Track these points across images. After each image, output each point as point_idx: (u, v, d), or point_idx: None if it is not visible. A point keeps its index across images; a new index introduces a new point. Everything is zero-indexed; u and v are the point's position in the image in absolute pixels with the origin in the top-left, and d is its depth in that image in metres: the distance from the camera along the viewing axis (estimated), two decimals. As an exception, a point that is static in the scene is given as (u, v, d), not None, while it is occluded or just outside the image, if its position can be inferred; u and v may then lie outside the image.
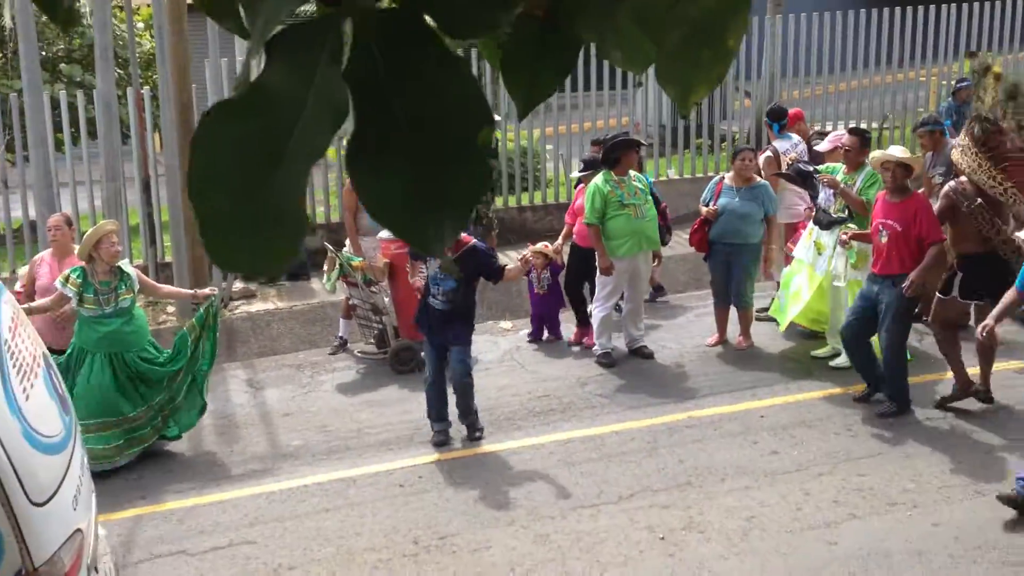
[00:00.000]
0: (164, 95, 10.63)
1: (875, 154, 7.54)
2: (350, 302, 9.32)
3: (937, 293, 7.50)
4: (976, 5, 14.81)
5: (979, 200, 7.30)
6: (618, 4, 1.28)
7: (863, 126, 11.91)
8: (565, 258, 9.46)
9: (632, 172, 8.86)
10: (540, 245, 8.66)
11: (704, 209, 8.93)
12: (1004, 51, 14.97)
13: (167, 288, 8.37)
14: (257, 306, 10.57)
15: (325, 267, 9.31)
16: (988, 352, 7.24)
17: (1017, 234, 7.23)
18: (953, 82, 14.29)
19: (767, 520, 6.03)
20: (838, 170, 8.34)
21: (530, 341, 9.53)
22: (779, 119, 10.11)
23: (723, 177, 9.08)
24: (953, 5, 14.58)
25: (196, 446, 7.63)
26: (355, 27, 0.88)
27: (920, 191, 7.79)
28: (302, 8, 0.96)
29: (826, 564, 5.55)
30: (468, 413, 7.42)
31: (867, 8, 14.55)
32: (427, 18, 0.90)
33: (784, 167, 9.34)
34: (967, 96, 13.93)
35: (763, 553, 5.68)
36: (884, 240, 7.20)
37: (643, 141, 9.31)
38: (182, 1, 10.75)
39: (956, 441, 7.02)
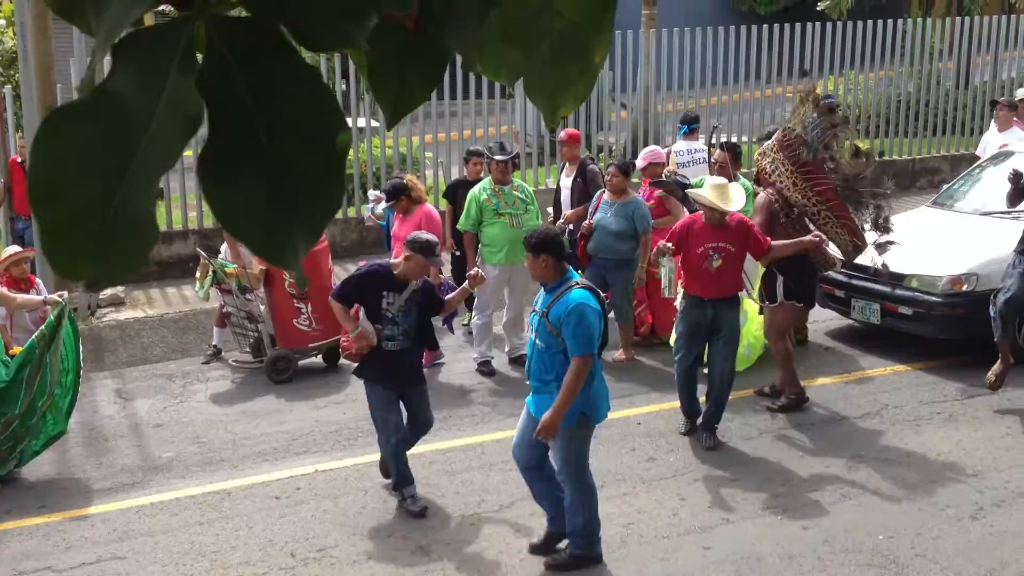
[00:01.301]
0: (27, 94, 10.21)
1: (700, 194, 7.22)
2: (224, 310, 9.11)
3: (765, 303, 7.80)
4: (839, 24, 15.43)
5: (795, 211, 7.66)
6: (484, 16, 1.29)
7: (734, 139, 12.31)
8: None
9: (516, 182, 8.93)
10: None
11: (584, 223, 8.89)
12: (866, 69, 15.64)
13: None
14: (126, 314, 10.22)
15: (198, 274, 9.08)
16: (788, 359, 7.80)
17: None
18: (819, 98, 14.84)
19: (644, 527, 6.13)
20: (705, 183, 8.44)
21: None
22: (689, 123, 10.79)
23: (603, 191, 9.00)
24: (819, 24, 15.15)
25: (62, 459, 7.32)
26: (208, 34, 0.85)
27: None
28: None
29: (702, 569, 5.68)
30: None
31: (736, 25, 15.00)
32: (281, 28, 0.88)
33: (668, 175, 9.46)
34: (832, 111, 14.49)
35: (641, 559, 5.77)
36: (717, 264, 6.99)
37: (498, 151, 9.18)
38: (47, -3, 10.36)
39: (822, 447, 7.27)
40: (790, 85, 15.18)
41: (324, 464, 7.14)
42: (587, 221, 8.82)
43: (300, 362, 8.94)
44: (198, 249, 9.69)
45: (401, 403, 6.35)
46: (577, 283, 5.54)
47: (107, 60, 0.89)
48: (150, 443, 7.57)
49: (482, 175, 9.44)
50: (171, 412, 8.16)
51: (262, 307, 8.86)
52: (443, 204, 10.19)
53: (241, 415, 8.05)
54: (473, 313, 9.04)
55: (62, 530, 6.25)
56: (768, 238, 7.19)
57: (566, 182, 9.71)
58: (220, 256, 9.09)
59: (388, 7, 1.14)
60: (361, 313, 6.23)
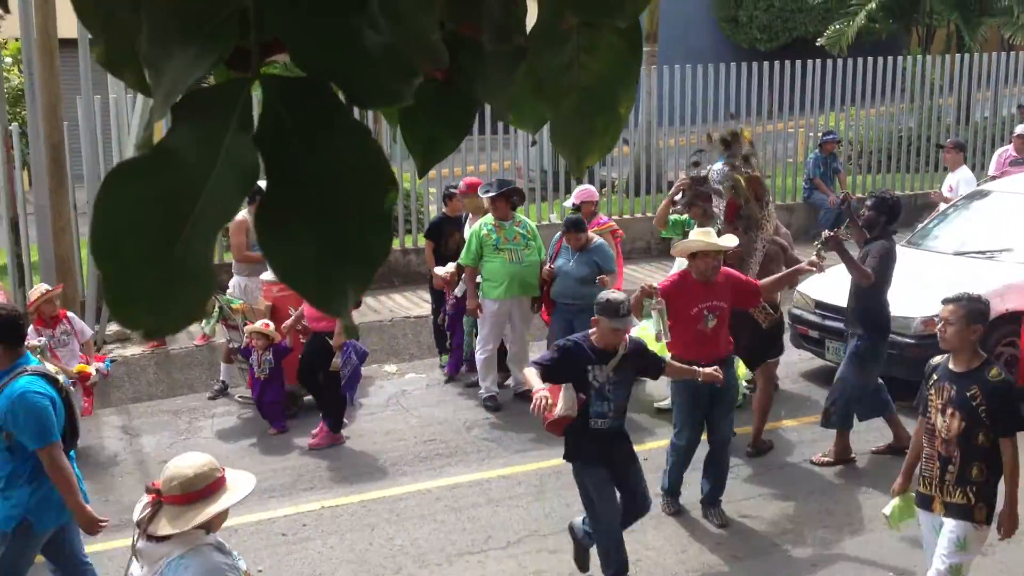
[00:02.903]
0: (34, 132, 10.30)
1: (689, 243, 6.69)
2: (231, 345, 9.13)
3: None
4: (840, 61, 15.58)
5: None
6: (513, 70, 1.33)
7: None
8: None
9: (519, 217, 8.98)
10: (260, 324, 8.31)
11: (544, 268, 8.74)
12: (867, 105, 15.76)
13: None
14: (132, 350, 10.24)
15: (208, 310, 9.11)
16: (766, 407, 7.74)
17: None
18: (819, 134, 14.97)
19: (652, 564, 6.13)
20: (691, 223, 8.27)
21: (275, 433, 8.42)
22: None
23: (561, 236, 8.72)
24: (819, 60, 15.29)
25: (66, 497, 7.31)
26: (264, 93, 0.89)
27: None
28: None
29: (707, 605, 5.66)
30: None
31: (737, 61, 15.14)
32: (333, 88, 0.92)
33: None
34: (833, 148, 14.61)
35: (647, 595, 5.75)
36: (712, 324, 6.46)
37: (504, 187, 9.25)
38: (53, 36, 10.46)
39: (823, 485, 7.26)
40: (791, 120, 15.31)
41: (330, 501, 7.13)
42: (548, 266, 8.71)
43: (306, 398, 8.95)
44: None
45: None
46: (27, 369, 4.85)
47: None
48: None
49: (461, 211, 9.58)
50: (177, 448, 8.15)
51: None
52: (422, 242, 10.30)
53: (247, 451, 8.06)
54: (476, 347, 9.08)
55: (68, 568, 6.23)
56: (755, 280, 6.91)
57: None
58: (228, 292, 9.13)
59: (424, 63, 1.18)
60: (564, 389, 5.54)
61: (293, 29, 0.90)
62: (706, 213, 7.94)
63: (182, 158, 0.87)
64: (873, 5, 20.43)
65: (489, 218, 8.84)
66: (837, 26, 20.51)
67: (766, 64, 14.95)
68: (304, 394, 8.89)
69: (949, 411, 4.83)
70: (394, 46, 0.95)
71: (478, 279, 8.91)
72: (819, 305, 9.02)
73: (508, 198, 8.86)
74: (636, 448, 7.71)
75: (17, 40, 12.61)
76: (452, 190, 9.86)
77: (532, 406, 5.32)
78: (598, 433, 5.52)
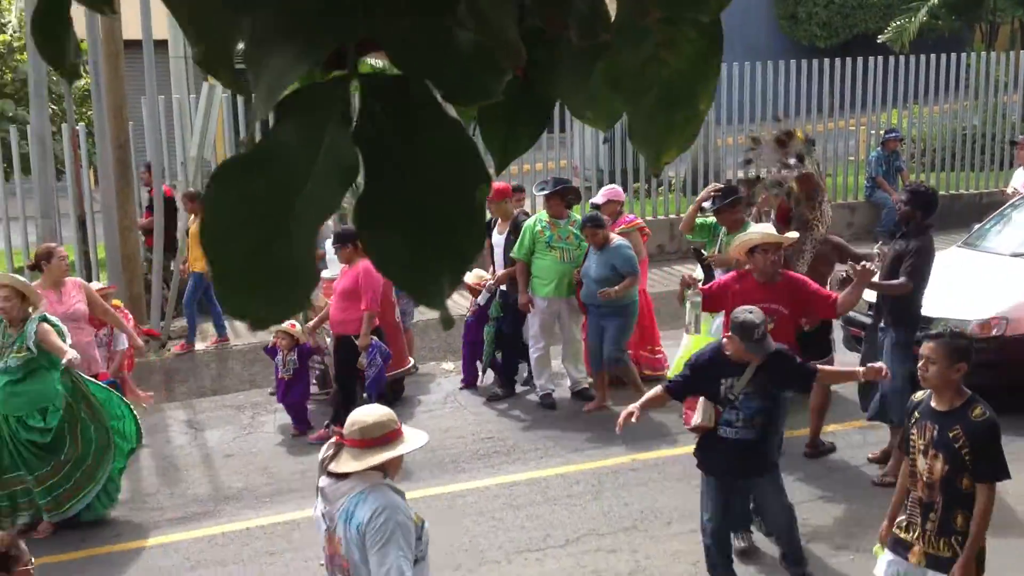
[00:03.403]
0: (100, 132, 10.53)
1: (748, 237, 6.56)
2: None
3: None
4: (902, 58, 15.34)
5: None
6: (592, 66, 1.34)
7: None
8: (326, 340, 8.83)
9: (573, 216, 8.97)
10: (286, 324, 8.33)
11: (574, 272, 8.71)
12: (930, 103, 15.50)
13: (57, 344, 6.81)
14: (197, 345, 10.44)
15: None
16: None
17: None
18: (881, 132, 14.75)
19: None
20: (720, 230, 8.19)
21: (295, 435, 8.47)
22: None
23: None
24: (881, 58, 15.07)
25: (136, 488, 7.49)
26: (363, 91, 0.92)
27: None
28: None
29: (767, 606, 5.62)
30: (800, 561, 5.77)
31: (797, 59, 14.98)
32: (429, 85, 0.95)
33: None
34: (895, 146, 14.40)
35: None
36: (769, 327, 5.93)
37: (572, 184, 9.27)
38: (118, 37, 10.69)
39: (875, 490, 7.15)
40: (852, 119, 15.11)
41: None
42: (577, 269, 8.68)
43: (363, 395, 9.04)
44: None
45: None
46: None
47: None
48: (220, 473, 7.70)
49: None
50: (240, 443, 8.30)
51: (328, 340, 8.99)
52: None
53: (308, 446, 8.14)
54: (529, 346, 9.10)
55: (136, 559, 6.39)
56: (833, 293, 6.52)
57: (499, 239, 9.15)
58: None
59: (503, 60, 1.20)
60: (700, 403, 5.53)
61: (390, 29, 0.92)
62: (736, 221, 7.86)
63: (285, 154, 0.90)
64: (935, 1, 20.09)
65: (544, 214, 8.84)
66: (898, 22, 20.20)
67: (827, 61, 14.77)
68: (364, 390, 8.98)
69: (931, 452, 4.51)
70: (485, 44, 0.97)
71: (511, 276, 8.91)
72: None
73: (563, 196, 8.86)
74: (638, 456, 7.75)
75: (83, 42, 12.88)
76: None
77: (621, 417, 5.45)
78: (725, 442, 5.38)
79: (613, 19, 1.28)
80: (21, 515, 6.68)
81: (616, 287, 8.24)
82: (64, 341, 6.56)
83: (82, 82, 14.04)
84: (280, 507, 7.06)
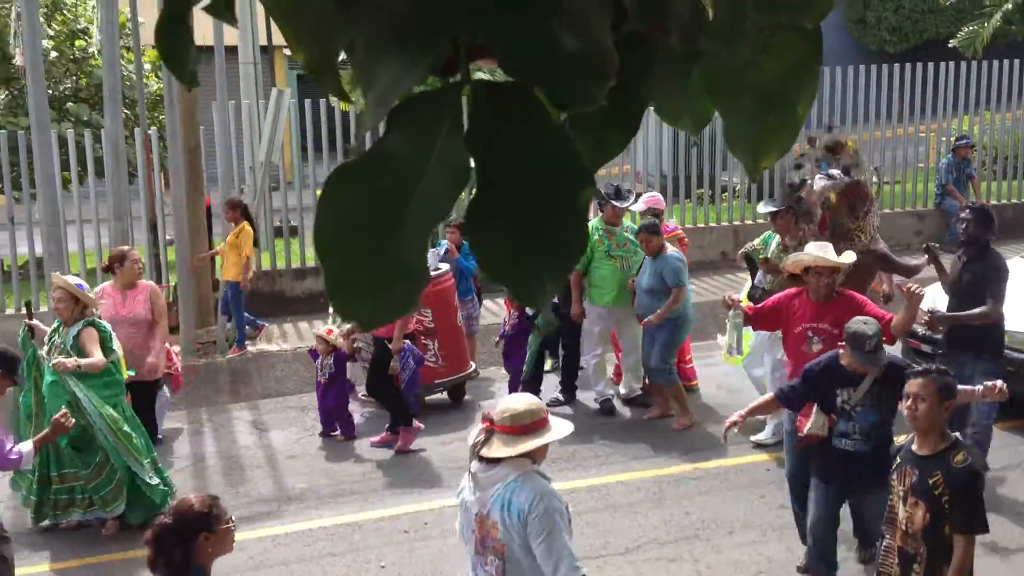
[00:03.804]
0: (172, 137, 10.73)
1: (802, 256, 6.38)
2: (355, 344, 9.32)
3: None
4: (974, 63, 15.04)
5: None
6: (688, 71, 1.33)
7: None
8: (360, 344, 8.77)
9: (626, 223, 8.92)
10: (323, 329, 8.46)
11: (628, 281, 8.66)
12: (1002, 109, 15.17)
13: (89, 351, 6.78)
14: (261, 347, 10.59)
15: (330, 308, 9.34)
16: None
17: None
18: (952, 139, 14.47)
19: (774, 575, 6.01)
20: (771, 240, 8.08)
21: (321, 435, 8.59)
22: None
23: None
24: (952, 63, 14.79)
25: (202, 487, 7.59)
26: (473, 97, 0.93)
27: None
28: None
29: (833, 618, 5.53)
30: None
31: (867, 64, 14.76)
32: (536, 90, 0.95)
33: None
34: (966, 153, 14.10)
35: (771, 606, 5.66)
36: (816, 349, 6.00)
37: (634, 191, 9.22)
38: (192, 44, 10.90)
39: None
40: (922, 125, 14.84)
41: (450, 500, 7.18)
42: (630, 279, 8.62)
43: (427, 398, 9.09)
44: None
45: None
46: None
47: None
48: (284, 474, 7.80)
49: None
50: (304, 444, 8.40)
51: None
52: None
53: (370, 448, 8.22)
54: (585, 354, 9.08)
55: (203, 555, 6.48)
56: (889, 316, 6.18)
57: None
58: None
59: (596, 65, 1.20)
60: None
61: (500, 35, 0.93)
62: (791, 232, 7.73)
63: (396, 160, 0.91)
64: (1009, 6, 19.65)
65: (598, 222, 8.80)
66: (971, 28, 19.79)
67: (897, 66, 14.53)
68: (426, 394, 9.04)
69: (911, 500, 4.27)
70: (591, 49, 0.97)
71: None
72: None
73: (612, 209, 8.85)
74: (763, 458, 7.66)
75: (155, 47, 13.15)
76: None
77: (727, 423, 5.47)
78: (839, 453, 5.29)
79: (710, 23, 1.27)
80: (75, 511, 6.84)
81: (657, 312, 8.15)
82: (109, 346, 6.65)
83: (154, 87, 14.33)
84: (342, 508, 7.13)
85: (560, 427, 3.97)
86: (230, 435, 8.66)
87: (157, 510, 6.60)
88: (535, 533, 3.71)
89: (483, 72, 1.08)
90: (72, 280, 6.77)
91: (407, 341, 8.17)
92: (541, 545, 3.72)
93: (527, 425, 3.83)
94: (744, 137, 1.34)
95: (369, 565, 6.30)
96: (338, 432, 8.50)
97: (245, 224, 10.26)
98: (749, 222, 13.78)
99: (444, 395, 9.27)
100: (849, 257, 6.42)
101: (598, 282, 8.71)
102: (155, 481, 6.73)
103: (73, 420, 5.86)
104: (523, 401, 3.96)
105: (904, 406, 4.37)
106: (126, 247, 8.02)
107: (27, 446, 5.53)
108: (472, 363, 9.43)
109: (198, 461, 8.16)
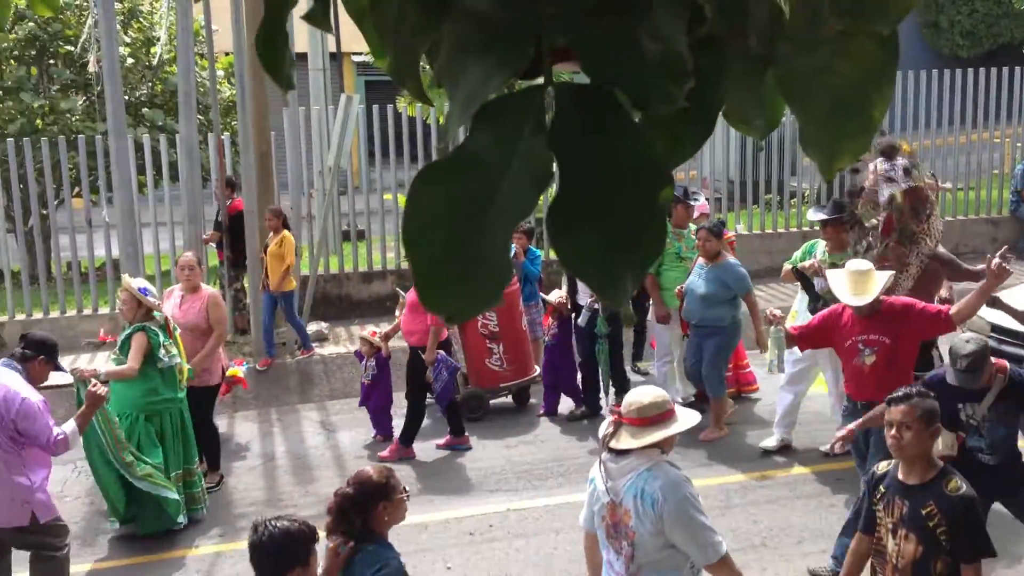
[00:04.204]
0: (244, 142, 10.95)
1: (833, 291, 6.26)
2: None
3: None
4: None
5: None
6: (762, 75, 1.35)
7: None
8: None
9: (692, 226, 8.89)
10: (367, 331, 8.50)
11: (677, 288, 8.49)
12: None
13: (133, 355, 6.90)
14: (329, 349, 10.75)
15: (397, 312, 9.44)
16: None
17: None
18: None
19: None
20: (816, 247, 7.97)
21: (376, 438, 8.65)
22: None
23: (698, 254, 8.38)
24: (1029, 67, 14.47)
25: (272, 486, 7.76)
26: (556, 98, 0.96)
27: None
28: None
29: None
30: None
31: (939, 68, 14.49)
32: (617, 92, 0.98)
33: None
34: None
35: (838, 615, 5.59)
36: (870, 361, 5.89)
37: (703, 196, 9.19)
38: (264, 51, 11.11)
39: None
40: (997, 130, 14.53)
41: (516, 503, 7.26)
42: (679, 286, 8.43)
43: (491, 401, 9.15)
44: (396, 288, 10.12)
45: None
46: None
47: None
48: (350, 474, 7.87)
49: None
50: (371, 445, 8.50)
51: (455, 347, 9.12)
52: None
53: (436, 451, 8.30)
54: (655, 360, 9.04)
55: (272, 552, 6.60)
56: (944, 307, 6.15)
57: None
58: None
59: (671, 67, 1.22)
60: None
61: (584, 38, 0.96)
62: (840, 241, 7.68)
63: (481, 160, 0.94)
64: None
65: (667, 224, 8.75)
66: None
67: (970, 71, 14.25)
68: (491, 397, 9.10)
69: (901, 532, 4.07)
70: (671, 52, 1.00)
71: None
72: (995, 328, 8.38)
73: (687, 205, 8.84)
74: (833, 466, 7.55)
75: (228, 55, 13.45)
76: None
77: (836, 437, 5.55)
78: (976, 466, 5.15)
79: (786, 27, 1.29)
80: (197, 508, 7.04)
81: (760, 331, 7.89)
82: (156, 355, 6.74)
83: (227, 93, 14.64)
84: (408, 509, 7.17)
85: (687, 418, 4.07)
86: (299, 435, 8.80)
87: (172, 524, 6.75)
88: (672, 522, 3.81)
89: (563, 75, 1.11)
90: (136, 284, 6.88)
91: (441, 351, 8.16)
92: (680, 532, 3.83)
93: (653, 417, 3.94)
94: (819, 139, 1.35)
95: (435, 566, 6.36)
96: (376, 434, 8.61)
97: (286, 232, 10.31)
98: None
99: (509, 399, 9.31)
100: (885, 273, 6.25)
101: (668, 284, 8.69)
102: (173, 496, 6.73)
103: (106, 389, 5.98)
104: (649, 394, 4.03)
105: (887, 435, 4.18)
106: (188, 253, 8.12)
107: (70, 426, 5.63)
108: (536, 367, 9.46)
109: (268, 460, 8.31)
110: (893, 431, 4.12)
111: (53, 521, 5.65)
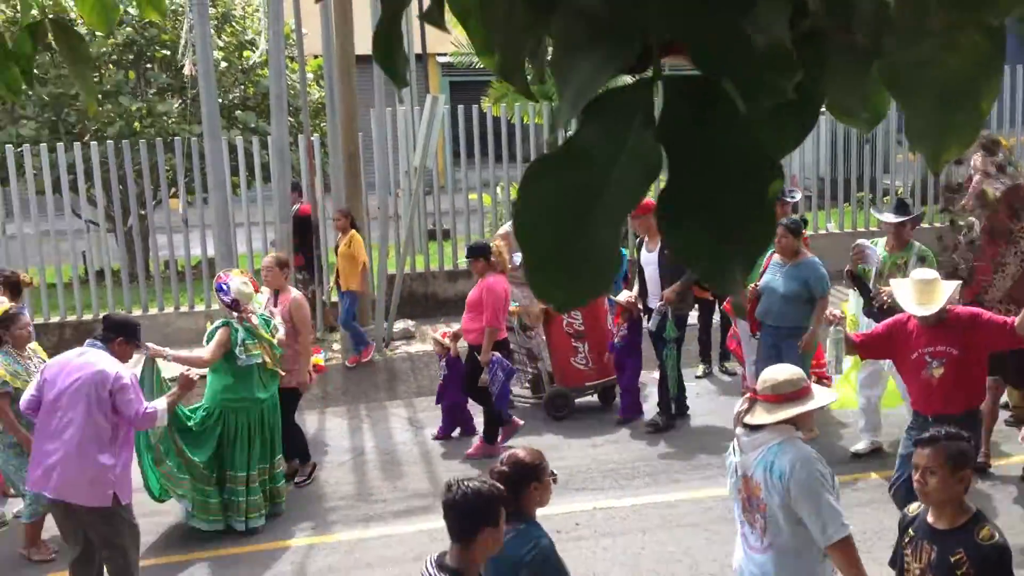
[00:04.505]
0: (333, 142, 11.15)
1: (899, 302, 5.99)
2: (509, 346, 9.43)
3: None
4: None
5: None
6: (867, 66, 1.34)
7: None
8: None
9: None
10: (439, 332, 8.49)
11: (749, 287, 8.16)
12: None
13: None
14: (416, 347, 10.89)
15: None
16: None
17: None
18: None
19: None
20: (875, 246, 7.75)
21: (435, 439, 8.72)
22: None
23: (772, 251, 8.02)
24: None
25: (362, 480, 7.89)
26: (665, 91, 0.98)
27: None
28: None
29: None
30: None
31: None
32: (726, 85, 0.99)
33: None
34: None
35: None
36: (938, 373, 5.68)
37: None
38: (351, 53, 11.30)
39: None
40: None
41: (602, 502, 7.25)
42: (752, 284, 8.10)
43: (576, 400, 9.16)
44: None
45: None
46: None
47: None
48: (439, 470, 7.99)
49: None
50: (456, 442, 8.58)
51: (513, 346, 9.10)
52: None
53: (521, 447, 8.31)
54: (746, 358, 8.93)
55: (363, 547, 6.72)
56: (1010, 318, 5.80)
57: (649, 256, 8.66)
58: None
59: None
60: None
61: (693, 32, 0.97)
62: (901, 241, 7.49)
63: (590, 153, 0.97)
64: None
65: None
66: None
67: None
68: (576, 396, 9.11)
69: None
70: (779, 44, 1.00)
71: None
72: None
73: (783, 202, 8.74)
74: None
75: (317, 57, 13.69)
76: None
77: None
78: None
79: (895, 20, 1.28)
80: (280, 501, 7.22)
81: (811, 330, 7.73)
82: (233, 351, 6.88)
83: (317, 96, 14.92)
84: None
85: (823, 396, 4.17)
86: (387, 431, 8.93)
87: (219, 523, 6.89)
88: (799, 496, 3.88)
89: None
90: (236, 280, 7.03)
91: (496, 353, 8.15)
92: (806, 507, 3.89)
93: (788, 394, 4.03)
94: (926, 131, 1.34)
95: (521, 562, 6.39)
96: (457, 432, 8.68)
97: (354, 232, 10.43)
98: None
99: (594, 398, 9.31)
100: (953, 282, 6.06)
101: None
102: (187, 499, 6.88)
103: (197, 375, 6.19)
104: (784, 371, 4.13)
105: (913, 479, 3.98)
106: (270, 255, 8.28)
107: (161, 403, 5.83)
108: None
109: (358, 455, 8.45)
110: (917, 475, 3.90)
111: (130, 505, 5.82)
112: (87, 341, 5.92)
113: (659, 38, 0.99)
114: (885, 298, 6.86)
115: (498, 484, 3.70)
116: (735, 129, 0.98)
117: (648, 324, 8.74)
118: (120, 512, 5.70)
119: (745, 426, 4.11)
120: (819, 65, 1.34)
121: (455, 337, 8.54)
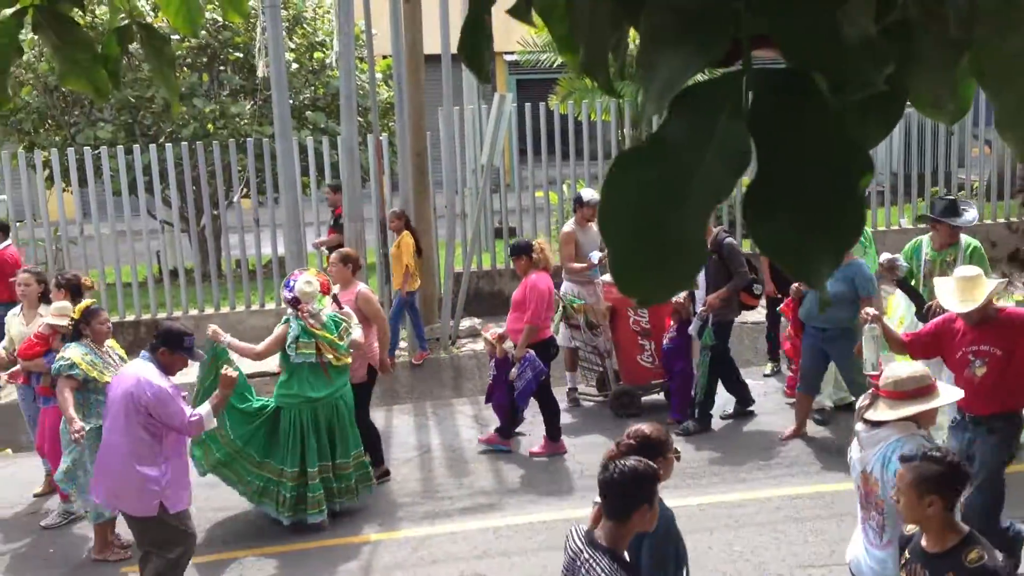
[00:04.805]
0: (401, 142, 11.22)
1: (945, 287, 5.91)
2: (572, 344, 9.41)
3: None
4: None
5: None
6: (957, 59, 1.31)
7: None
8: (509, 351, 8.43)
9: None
10: (490, 333, 8.42)
11: (793, 287, 8.12)
12: None
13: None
14: (482, 345, 10.91)
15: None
16: None
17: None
18: None
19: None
20: (921, 245, 7.61)
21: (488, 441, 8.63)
22: None
23: None
24: None
25: (428, 477, 7.95)
26: (754, 84, 0.97)
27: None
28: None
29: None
30: None
31: None
32: (817, 77, 0.98)
33: None
34: None
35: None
36: (981, 371, 5.60)
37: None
38: (419, 53, 11.37)
39: None
40: None
41: (669, 501, 7.16)
42: (796, 284, 7.99)
43: (643, 398, 9.11)
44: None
45: None
46: None
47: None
48: (504, 468, 8.01)
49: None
50: (522, 440, 8.59)
51: (557, 337, 9.03)
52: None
53: (587, 446, 8.32)
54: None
55: (429, 544, 6.77)
56: None
57: None
58: (562, 290, 9.43)
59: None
60: None
61: (783, 25, 0.97)
62: (949, 239, 7.35)
63: (677, 146, 0.96)
64: None
65: None
66: None
67: None
68: (643, 394, 9.06)
69: None
70: (870, 36, 0.99)
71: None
72: None
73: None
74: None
75: (387, 57, 13.81)
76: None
77: None
78: None
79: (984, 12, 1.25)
80: (351, 498, 7.25)
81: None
82: (290, 346, 6.97)
83: (385, 95, 15.04)
84: (559, 504, 7.25)
85: (948, 393, 4.18)
86: (453, 428, 8.98)
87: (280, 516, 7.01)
88: None
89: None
90: (302, 279, 7.11)
91: (531, 351, 8.07)
92: None
93: (910, 391, 4.05)
94: (1015, 122, 1.31)
95: (588, 561, 6.38)
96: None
97: (406, 234, 10.46)
98: (988, 221, 12.98)
99: (660, 396, 9.25)
100: (995, 281, 5.87)
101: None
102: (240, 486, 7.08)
103: (236, 372, 6.28)
104: (907, 368, 4.14)
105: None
106: (335, 252, 8.32)
107: (204, 408, 5.88)
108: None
109: (424, 452, 8.51)
110: (893, 492, 3.84)
111: (182, 513, 5.81)
112: (142, 354, 6.00)
113: (749, 31, 0.98)
114: (936, 309, 6.69)
115: (652, 463, 3.70)
116: (826, 121, 0.97)
117: (690, 328, 8.69)
118: (168, 520, 5.70)
119: (866, 422, 4.10)
120: (907, 56, 1.32)
121: (501, 338, 8.54)
